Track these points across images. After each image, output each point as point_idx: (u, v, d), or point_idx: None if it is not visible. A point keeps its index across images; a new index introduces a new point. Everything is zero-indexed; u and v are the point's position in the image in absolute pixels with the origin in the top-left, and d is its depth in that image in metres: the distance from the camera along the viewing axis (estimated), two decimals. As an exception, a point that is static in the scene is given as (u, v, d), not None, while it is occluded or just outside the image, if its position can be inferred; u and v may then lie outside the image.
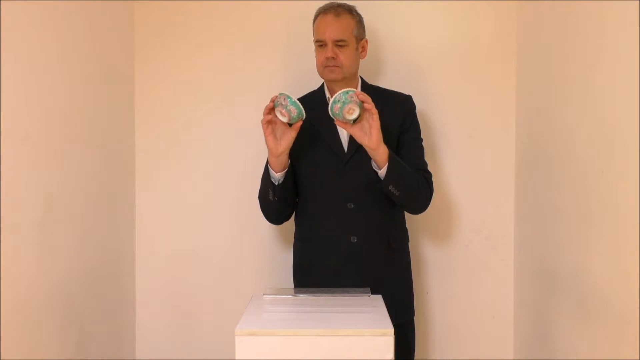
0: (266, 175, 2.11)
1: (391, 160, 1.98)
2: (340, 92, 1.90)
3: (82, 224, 2.13)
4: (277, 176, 2.08)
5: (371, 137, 1.93)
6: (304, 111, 1.94)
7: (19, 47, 1.74)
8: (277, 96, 1.95)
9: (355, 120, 1.94)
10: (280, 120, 1.97)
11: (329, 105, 1.92)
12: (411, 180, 2.06)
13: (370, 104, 1.90)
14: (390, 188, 2.01)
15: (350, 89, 1.92)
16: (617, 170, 1.64)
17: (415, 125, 2.23)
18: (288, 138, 2.00)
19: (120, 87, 2.48)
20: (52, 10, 1.92)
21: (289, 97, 1.93)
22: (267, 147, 2.02)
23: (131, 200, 2.56)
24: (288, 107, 1.93)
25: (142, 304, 2.59)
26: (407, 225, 2.30)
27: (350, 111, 1.90)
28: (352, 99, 1.88)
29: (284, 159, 2.05)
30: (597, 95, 1.76)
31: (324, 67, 2.15)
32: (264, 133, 2.00)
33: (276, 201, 2.12)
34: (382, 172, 1.99)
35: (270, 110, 1.97)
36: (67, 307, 2.01)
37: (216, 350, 2.52)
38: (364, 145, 1.96)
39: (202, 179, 2.58)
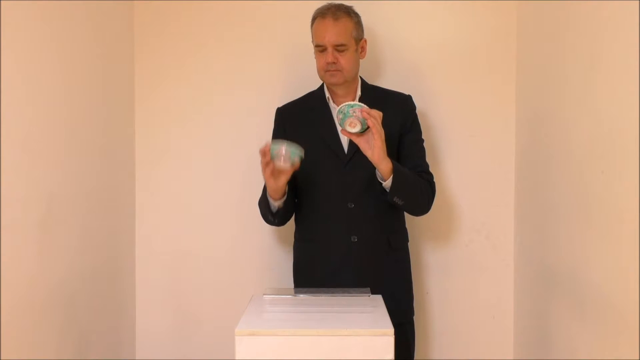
0: (264, 198, 2.11)
1: (395, 172, 1.98)
2: (345, 104, 1.91)
3: (82, 224, 2.12)
4: (275, 204, 2.09)
5: (373, 153, 1.93)
6: (303, 150, 1.94)
7: (19, 47, 1.74)
8: (269, 147, 1.92)
9: (362, 131, 1.93)
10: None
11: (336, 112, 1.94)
12: (415, 189, 2.06)
13: (373, 122, 1.88)
14: (395, 199, 2.01)
15: (355, 102, 1.92)
16: (617, 170, 1.64)
17: (416, 125, 2.23)
18: (287, 173, 1.99)
19: (120, 87, 2.48)
20: (52, 10, 1.92)
21: (287, 146, 1.91)
22: (266, 184, 2.03)
23: (131, 200, 2.56)
24: (291, 158, 1.92)
25: (142, 304, 2.59)
26: (407, 225, 2.30)
27: (352, 124, 1.90)
28: (355, 114, 1.89)
29: (282, 190, 2.05)
30: (597, 95, 1.76)
31: (324, 72, 2.14)
32: (264, 176, 1.99)
33: (277, 221, 2.17)
34: (386, 184, 1.99)
35: (267, 155, 1.94)
36: (67, 307, 2.01)
37: (216, 350, 2.52)
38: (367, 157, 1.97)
39: (202, 179, 2.58)
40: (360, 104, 1.91)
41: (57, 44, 1.96)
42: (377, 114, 1.91)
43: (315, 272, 2.18)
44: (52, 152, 1.92)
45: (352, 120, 1.90)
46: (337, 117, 1.94)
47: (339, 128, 2.10)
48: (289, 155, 1.92)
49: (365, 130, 1.92)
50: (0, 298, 1.64)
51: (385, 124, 1.95)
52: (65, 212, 1.99)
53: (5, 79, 1.66)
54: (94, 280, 2.21)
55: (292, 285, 2.30)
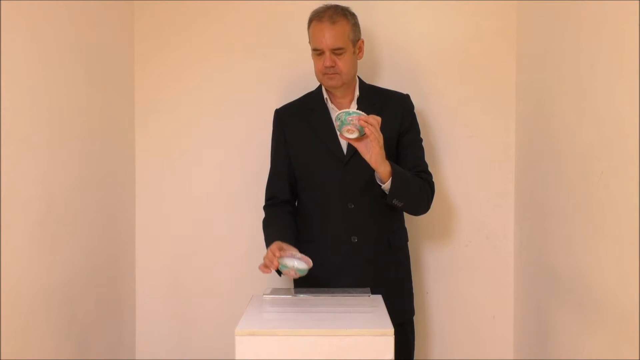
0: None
1: (394, 175, 1.97)
2: (342, 111, 1.89)
3: (82, 224, 2.13)
4: None
5: (371, 157, 1.93)
6: (311, 264, 1.93)
7: (18, 47, 1.74)
8: (277, 263, 1.90)
9: (360, 136, 1.92)
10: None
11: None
12: (414, 191, 2.06)
13: (370, 129, 1.87)
14: (394, 201, 2.01)
15: (353, 110, 1.90)
16: (617, 170, 1.64)
17: (415, 125, 2.23)
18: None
19: (120, 87, 2.48)
20: (52, 10, 1.92)
21: (295, 267, 1.91)
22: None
23: (131, 200, 2.57)
24: (300, 275, 1.92)
25: (142, 304, 2.59)
26: (407, 225, 2.30)
27: (350, 131, 1.90)
28: (352, 122, 1.87)
29: None
30: (597, 95, 1.76)
31: (323, 75, 2.13)
32: (260, 269, 1.97)
33: None
34: (385, 186, 1.99)
35: (271, 268, 1.92)
36: (67, 307, 2.01)
37: (216, 350, 2.52)
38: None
39: (202, 179, 2.58)
40: (358, 111, 1.89)
41: (57, 43, 1.96)
42: (375, 120, 1.89)
43: (315, 272, 2.18)
44: (52, 152, 1.92)
45: (350, 128, 1.89)
46: (335, 122, 1.93)
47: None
48: (298, 274, 1.92)
49: (363, 135, 1.91)
50: (0, 298, 1.64)
51: (383, 124, 1.94)
52: (65, 212, 1.99)
53: (6, 79, 1.66)
54: (94, 280, 2.21)
55: (292, 285, 2.30)
